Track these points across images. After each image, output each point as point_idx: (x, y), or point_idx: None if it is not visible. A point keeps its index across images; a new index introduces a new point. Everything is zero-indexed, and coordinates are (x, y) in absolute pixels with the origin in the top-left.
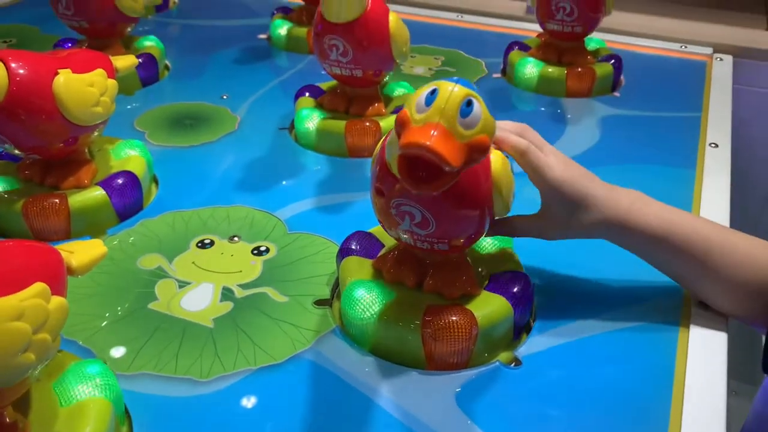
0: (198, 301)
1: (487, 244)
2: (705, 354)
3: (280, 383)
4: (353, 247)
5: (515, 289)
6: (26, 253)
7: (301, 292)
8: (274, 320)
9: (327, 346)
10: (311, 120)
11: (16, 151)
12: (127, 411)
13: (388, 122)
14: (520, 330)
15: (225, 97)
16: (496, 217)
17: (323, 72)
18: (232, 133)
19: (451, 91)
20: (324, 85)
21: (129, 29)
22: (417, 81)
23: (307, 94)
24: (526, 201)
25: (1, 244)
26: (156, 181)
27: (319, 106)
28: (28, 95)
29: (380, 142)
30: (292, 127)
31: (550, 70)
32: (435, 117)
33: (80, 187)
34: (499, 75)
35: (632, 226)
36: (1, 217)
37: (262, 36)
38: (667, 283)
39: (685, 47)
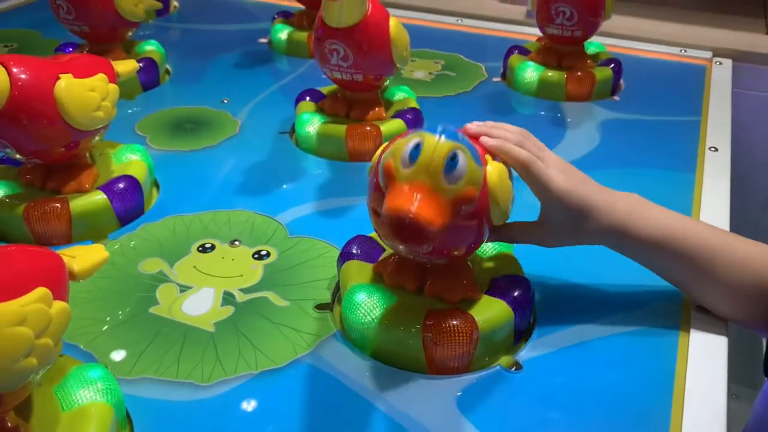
0: (199, 305)
1: (488, 248)
2: (705, 358)
3: (280, 387)
4: (354, 251)
5: (516, 294)
6: (28, 258)
7: (302, 296)
8: (275, 324)
9: (328, 351)
10: (312, 124)
11: (18, 156)
12: (128, 415)
13: (388, 126)
14: (520, 334)
15: (226, 101)
16: (495, 225)
17: (324, 76)
18: (233, 137)
19: (435, 146)
20: (324, 90)
21: (130, 34)
22: (417, 85)
23: (307, 98)
24: (525, 205)
25: (3, 249)
26: (157, 186)
27: (320, 110)
28: (30, 100)
29: (376, 156)
30: (292, 131)
31: (549, 74)
32: (419, 175)
33: (81, 191)
34: (499, 79)
35: (632, 234)
36: (3, 222)
37: (263, 40)
38: (667, 288)
39: (685, 51)
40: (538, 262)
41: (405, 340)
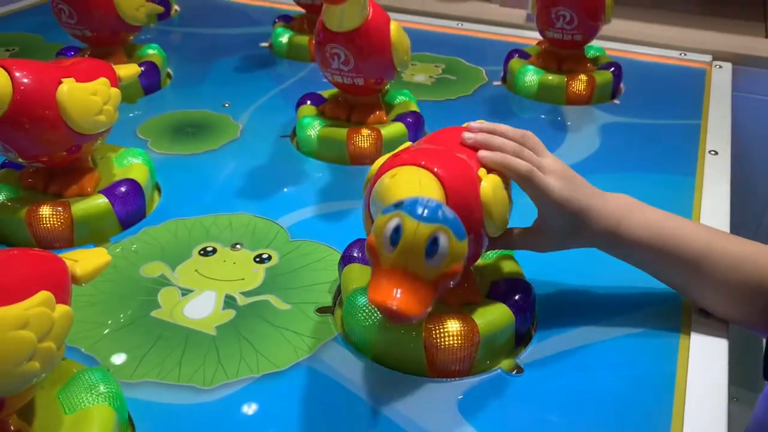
0: (200, 308)
1: (488, 251)
2: (706, 361)
3: (282, 390)
4: (355, 254)
5: (517, 297)
6: (31, 261)
7: (304, 299)
8: (277, 328)
9: (329, 354)
10: (313, 128)
11: (20, 160)
12: (130, 418)
13: (389, 130)
14: (521, 337)
15: (227, 105)
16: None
17: (324, 80)
18: (234, 140)
19: (416, 230)
20: (325, 93)
21: (131, 38)
22: (418, 89)
23: (308, 102)
24: (522, 209)
25: (6, 253)
26: (158, 189)
27: (321, 113)
28: (32, 104)
29: (372, 170)
30: (293, 134)
31: (550, 77)
32: (400, 261)
33: (83, 195)
34: (499, 83)
35: (623, 236)
36: (5, 225)
37: (264, 44)
38: (667, 291)
39: (685, 55)
40: (539, 265)
41: (406, 344)
